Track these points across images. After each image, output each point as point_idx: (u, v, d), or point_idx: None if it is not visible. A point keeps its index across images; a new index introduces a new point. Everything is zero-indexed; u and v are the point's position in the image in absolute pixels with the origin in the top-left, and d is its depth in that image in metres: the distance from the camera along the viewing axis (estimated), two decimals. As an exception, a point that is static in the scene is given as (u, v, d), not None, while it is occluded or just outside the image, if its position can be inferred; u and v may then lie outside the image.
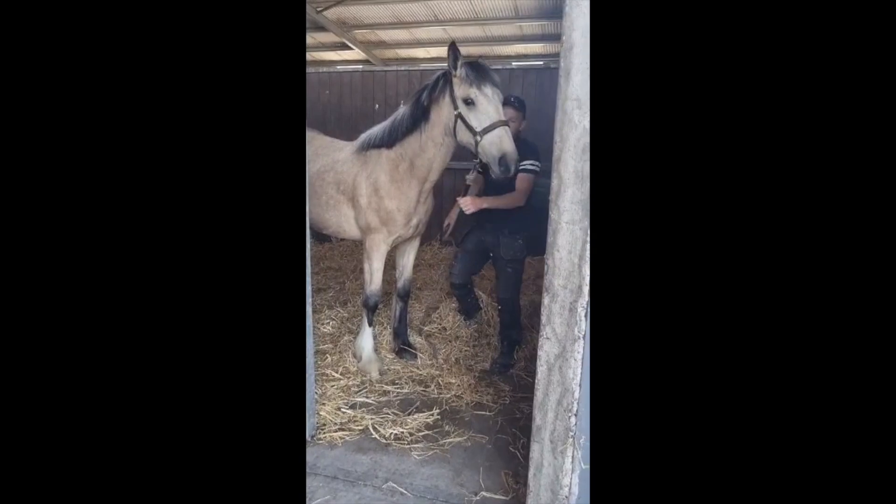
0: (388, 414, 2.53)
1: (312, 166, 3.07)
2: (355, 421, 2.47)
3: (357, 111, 5.60)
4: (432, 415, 2.54)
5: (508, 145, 2.31)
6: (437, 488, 2.01)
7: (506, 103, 2.61)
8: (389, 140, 2.68)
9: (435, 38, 5.54)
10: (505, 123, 2.35)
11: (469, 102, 2.36)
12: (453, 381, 2.87)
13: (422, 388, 2.81)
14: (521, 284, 3.05)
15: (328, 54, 6.35)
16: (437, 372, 2.98)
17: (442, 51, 2.51)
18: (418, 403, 2.66)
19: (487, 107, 2.34)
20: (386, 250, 2.82)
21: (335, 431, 2.37)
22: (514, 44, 5.63)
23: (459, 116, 2.39)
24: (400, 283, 3.13)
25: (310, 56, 6.23)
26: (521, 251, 2.93)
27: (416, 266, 4.89)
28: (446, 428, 2.44)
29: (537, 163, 2.79)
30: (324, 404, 2.57)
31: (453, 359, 3.12)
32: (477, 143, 2.35)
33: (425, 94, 2.55)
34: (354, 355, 3.07)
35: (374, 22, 5.10)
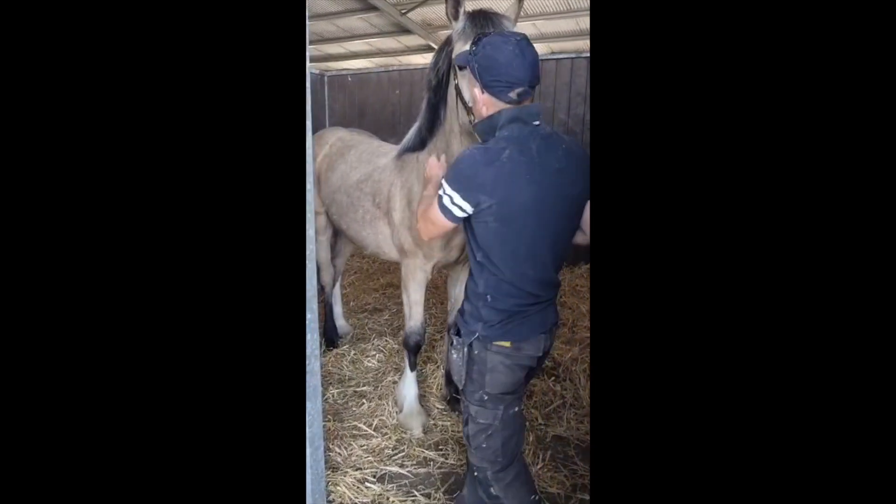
0: (421, 498, 1.93)
1: (353, 175, 2.60)
2: (379, 504, 1.91)
3: (429, 111, 5.11)
4: (479, 506, 1.89)
5: None
6: None
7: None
8: (420, 140, 2.10)
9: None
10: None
11: (462, 67, 1.56)
12: (514, 451, 2.19)
13: (472, 459, 2.17)
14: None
15: (414, 58, 5.99)
16: (495, 434, 2.32)
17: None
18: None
19: None
20: (425, 278, 2.22)
21: (349, 520, 1.83)
22: (611, 38, 4.82)
23: (457, 89, 1.68)
24: (452, 318, 2.52)
25: (395, 61, 5.95)
26: (460, 365, 1.41)
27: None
28: (496, 531, 1.78)
29: (460, 196, 1.29)
30: (345, 473, 2.04)
31: (517, 417, 2.43)
32: (473, 127, 1.53)
33: (431, 70, 1.90)
34: (396, 403, 2.53)
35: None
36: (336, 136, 2.91)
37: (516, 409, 1.46)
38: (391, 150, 2.60)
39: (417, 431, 2.33)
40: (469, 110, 1.59)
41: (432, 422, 2.43)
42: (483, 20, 1.64)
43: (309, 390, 1.70)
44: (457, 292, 2.51)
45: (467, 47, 1.54)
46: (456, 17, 1.72)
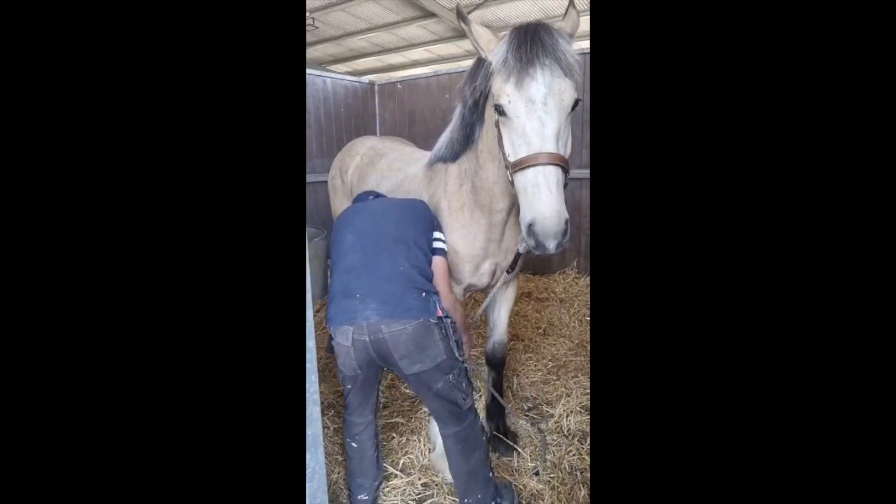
0: (444, 563, 1.65)
1: (382, 186, 2.40)
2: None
3: (482, 116, 4.86)
4: (512, 582, 1.57)
5: (544, 206, 1.27)
6: None
7: None
8: (451, 151, 1.85)
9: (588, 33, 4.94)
10: (557, 161, 1.30)
11: (501, 112, 1.38)
12: (560, 509, 1.84)
13: (510, 516, 1.85)
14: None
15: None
16: (540, 485, 1.98)
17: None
18: (495, 552, 1.71)
19: (525, 123, 1.32)
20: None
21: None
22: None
23: (498, 129, 1.47)
24: (489, 346, 2.23)
25: (457, 66, 5.83)
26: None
27: (543, 300, 3.92)
28: None
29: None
30: (362, 524, 1.81)
31: (567, 465, 2.07)
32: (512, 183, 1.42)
33: (468, 84, 1.66)
34: (429, 440, 2.26)
35: (523, 21, 4.46)
36: (367, 146, 2.72)
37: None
38: (423, 156, 2.37)
39: (449, 476, 2.04)
40: (507, 164, 1.41)
41: (468, 464, 2.14)
42: (532, 46, 1.32)
43: (309, 439, 1.49)
44: (495, 317, 2.21)
45: (509, 84, 1.33)
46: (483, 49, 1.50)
